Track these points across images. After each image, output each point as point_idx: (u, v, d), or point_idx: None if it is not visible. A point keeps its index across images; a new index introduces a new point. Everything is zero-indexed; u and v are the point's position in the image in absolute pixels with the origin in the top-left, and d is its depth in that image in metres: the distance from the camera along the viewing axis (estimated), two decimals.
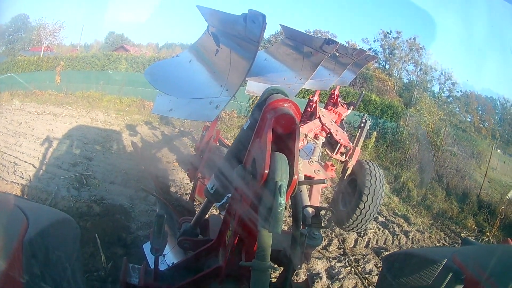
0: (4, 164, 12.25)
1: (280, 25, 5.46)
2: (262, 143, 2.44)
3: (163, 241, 3.32)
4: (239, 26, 2.99)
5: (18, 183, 10.89)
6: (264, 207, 2.32)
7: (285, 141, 2.48)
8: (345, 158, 7.53)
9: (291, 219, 2.69)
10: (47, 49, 34.41)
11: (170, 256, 6.46)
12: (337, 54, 6.34)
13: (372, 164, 7.11)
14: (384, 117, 24.07)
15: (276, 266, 2.68)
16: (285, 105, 2.53)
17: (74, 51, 34.15)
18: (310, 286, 3.86)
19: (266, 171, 2.31)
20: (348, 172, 7.47)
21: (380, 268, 8.20)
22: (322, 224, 3.77)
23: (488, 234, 13.33)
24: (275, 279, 3.83)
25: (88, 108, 22.22)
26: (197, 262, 3.69)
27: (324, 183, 2.91)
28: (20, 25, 36.10)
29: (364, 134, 7.75)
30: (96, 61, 28.38)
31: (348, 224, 7.22)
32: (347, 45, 32.52)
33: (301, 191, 5.38)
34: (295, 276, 7.22)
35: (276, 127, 2.44)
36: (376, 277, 8.25)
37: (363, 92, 11.41)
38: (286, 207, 2.31)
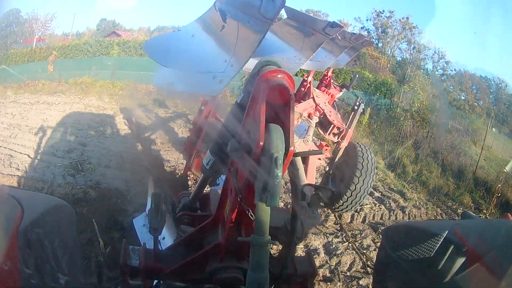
0: (0, 158, 12.23)
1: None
2: (256, 114, 2.42)
3: (161, 219, 3.36)
4: (254, 2, 2.93)
5: (14, 175, 10.87)
6: (260, 180, 2.28)
7: (279, 112, 2.48)
8: (337, 139, 7.54)
9: (289, 195, 2.69)
10: (39, 40, 34.30)
11: (167, 238, 6.54)
12: (338, 37, 6.31)
13: (364, 147, 7.12)
14: (377, 94, 24.12)
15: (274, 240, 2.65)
16: (279, 76, 2.51)
17: (66, 40, 34.04)
18: (313, 259, 3.88)
19: (261, 143, 2.30)
20: (340, 153, 7.49)
21: (379, 243, 8.25)
22: (321, 203, 3.73)
23: (485, 211, 13.38)
24: (277, 254, 3.85)
25: (81, 94, 22.24)
26: (196, 240, 3.70)
27: (321, 153, 2.91)
28: (12, 19, 35.94)
29: (357, 117, 7.81)
30: (88, 48, 28.39)
31: (338, 205, 7.24)
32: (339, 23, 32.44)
33: (298, 169, 5.37)
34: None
35: (270, 98, 2.42)
36: (374, 252, 8.32)
37: (357, 75, 11.33)
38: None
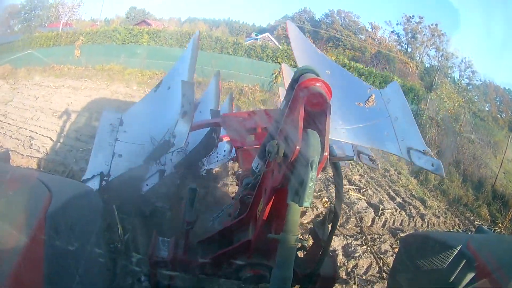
0: (20, 139, 12.28)
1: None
2: (295, 120, 2.49)
3: (195, 214, 3.45)
4: None
5: (34, 157, 10.92)
6: (295, 181, 2.37)
7: (316, 118, 2.53)
8: None
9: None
10: (66, 25, 34.38)
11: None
12: None
13: None
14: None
15: (301, 240, 2.68)
16: (317, 84, 2.57)
17: (94, 26, 34.09)
18: (336, 262, 3.88)
19: (298, 147, 2.37)
20: None
21: (396, 249, 8.22)
22: None
23: (501, 225, 13.26)
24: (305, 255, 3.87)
25: (109, 81, 22.28)
26: (227, 236, 3.78)
27: (353, 159, 2.93)
28: (37, 3, 36.10)
29: None
30: (117, 35, 28.30)
31: None
32: (370, 26, 32.01)
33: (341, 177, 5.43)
34: None
35: (308, 105, 2.48)
36: (391, 257, 8.26)
37: None
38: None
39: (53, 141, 12.10)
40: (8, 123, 14.06)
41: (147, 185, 7.57)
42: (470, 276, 2.90)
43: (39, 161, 10.65)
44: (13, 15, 34.81)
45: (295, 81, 2.76)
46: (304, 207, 2.43)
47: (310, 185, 2.24)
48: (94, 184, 5.21)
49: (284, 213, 2.59)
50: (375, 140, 5.38)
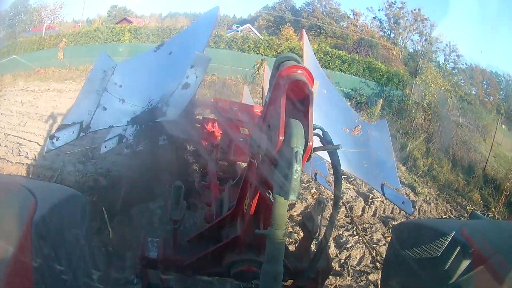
0: (8, 146, 12.21)
1: None
2: (277, 109, 2.44)
3: (181, 212, 3.45)
4: None
5: (23, 163, 10.87)
6: (280, 174, 2.32)
7: (299, 107, 2.48)
8: None
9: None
10: (49, 28, 34.18)
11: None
12: None
13: None
14: (390, 85, 24.14)
15: (291, 233, 2.68)
16: (298, 71, 2.51)
17: (76, 27, 33.93)
18: (329, 255, 3.89)
19: (281, 138, 2.32)
20: None
21: (388, 238, 8.24)
22: None
23: (494, 210, 13.33)
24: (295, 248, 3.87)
25: None
26: (215, 233, 3.78)
27: (339, 148, 2.90)
28: (20, 8, 35.82)
29: None
30: (99, 34, 28.29)
31: None
32: (352, 13, 31.97)
33: None
34: None
35: (289, 93, 2.43)
36: (384, 247, 8.33)
37: None
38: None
39: (40, 146, 12.06)
40: None
41: (105, 147, 7.61)
42: (465, 263, 2.89)
43: (28, 167, 10.62)
44: None
45: (275, 69, 2.74)
46: (291, 200, 2.34)
47: (295, 177, 2.19)
48: (72, 133, 5.01)
49: (270, 207, 2.55)
50: (352, 166, 5.46)
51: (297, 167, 2.19)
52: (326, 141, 2.86)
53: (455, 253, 2.95)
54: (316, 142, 2.45)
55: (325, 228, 3.15)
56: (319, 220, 3.51)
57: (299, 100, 2.47)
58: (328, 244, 7.88)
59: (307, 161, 2.48)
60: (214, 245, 3.59)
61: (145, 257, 3.64)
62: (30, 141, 12.49)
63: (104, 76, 5.67)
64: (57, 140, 4.83)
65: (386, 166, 5.28)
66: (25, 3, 36.13)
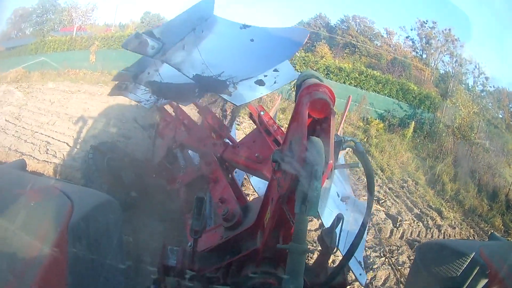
0: (35, 143, 12.33)
1: None
2: (298, 127, 2.48)
3: (202, 223, 3.40)
4: None
5: (50, 162, 10.95)
6: (301, 191, 2.33)
7: (320, 125, 2.51)
8: None
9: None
10: (80, 29, 34.42)
11: None
12: None
13: None
14: (422, 107, 23.86)
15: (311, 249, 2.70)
16: (320, 89, 2.54)
17: (108, 30, 34.03)
18: (345, 272, 3.87)
19: (302, 155, 2.34)
20: None
21: (413, 259, 8.23)
22: None
23: None
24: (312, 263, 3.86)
25: None
26: (235, 245, 3.80)
27: (357, 167, 2.90)
28: (48, 7, 36.08)
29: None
30: None
31: None
32: (385, 31, 31.91)
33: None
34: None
35: (311, 111, 2.46)
36: (408, 269, 8.22)
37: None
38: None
39: (70, 146, 12.14)
40: (23, 127, 14.13)
41: (145, 104, 7.91)
42: (483, 282, 2.96)
43: (56, 166, 10.68)
44: (24, 18, 34.81)
45: (298, 87, 2.79)
46: (312, 216, 2.41)
47: (315, 194, 2.24)
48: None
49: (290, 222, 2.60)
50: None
51: (316, 184, 2.24)
52: (358, 152, 2.91)
53: (474, 273, 3.02)
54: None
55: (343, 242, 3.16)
56: (337, 235, 3.45)
57: (320, 118, 2.49)
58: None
59: (327, 179, 2.48)
60: (232, 256, 3.64)
61: (164, 265, 3.69)
62: (59, 140, 12.58)
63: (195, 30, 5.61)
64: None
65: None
66: (54, 2, 36.35)
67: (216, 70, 5.02)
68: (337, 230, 3.40)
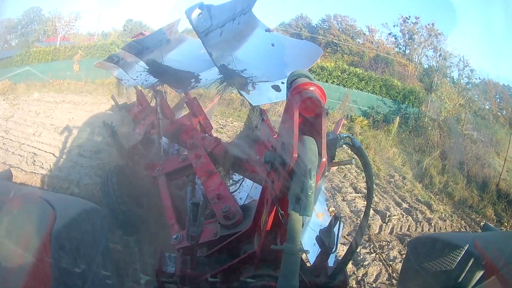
0: (23, 155, 12.28)
1: None
2: (290, 127, 2.45)
3: (199, 228, 3.36)
4: None
5: (37, 173, 10.89)
6: (294, 190, 2.33)
7: (312, 124, 2.50)
8: None
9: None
10: (63, 39, 34.39)
11: None
12: None
13: None
14: (406, 102, 24.06)
15: (306, 249, 2.68)
16: (311, 88, 2.55)
17: (91, 39, 34.08)
18: (346, 269, 3.86)
19: (295, 155, 2.33)
20: None
21: (404, 255, 8.24)
22: None
23: (506, 224, 13.36)
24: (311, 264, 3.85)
25: (109, 95, 21.67)
26: (232, 249, 3.76)
27: (351, 163, 2.91)
28: (33, 17, 36.05)
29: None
30: (115, 48, 27.52)
31: None
32: (367, 29, 31.97)
33: None
34: None
35: (302, 110, 2.46)
36: (400, 264, 8.30)
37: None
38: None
39: (56, 157, 12.10)
40: (10, 139, 14.10)
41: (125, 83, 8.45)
42: (478, 274, 2.97)
43: (43, 177, 10.65)
44: (10, 29, 34.86)
45: (288, 86, 2.79)
46: (306, 216, 2.35)
47: (309, 193, 2.23)
48: None
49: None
50: None
51: (311, 183, 2.23)
52: (355, 148, 2.90)
53: (469, 265, 3.04)
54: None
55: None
56: (336, 235, 3.45)
57: (311, 116, 2.49)
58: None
59: (321, 177, 2.48)
60: (230, 261, 3.60)
61: (162, 272, 3.66)
62: (45, 151, 12.54)
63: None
64: None
65: None
66: (39, 13, 36.46)
67: (240, 66, 5.04)
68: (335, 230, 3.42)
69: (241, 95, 5.06)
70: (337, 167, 11.42)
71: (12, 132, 15.04)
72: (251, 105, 5.16)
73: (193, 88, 5.61)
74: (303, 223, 2.45)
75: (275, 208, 2.87)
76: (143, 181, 7.52)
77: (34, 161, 11.79)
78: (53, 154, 12.32)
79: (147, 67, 6.43)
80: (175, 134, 7.22)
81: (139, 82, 7.92)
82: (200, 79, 5.65)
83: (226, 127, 16.20)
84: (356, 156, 2.96)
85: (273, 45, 5.88)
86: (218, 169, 5.71)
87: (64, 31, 35.89)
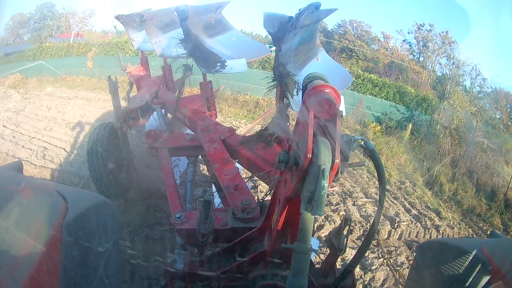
0: (33, 149, 12.34)
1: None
2: (305, 127, 2.47)
3: (210, 226, 3.40)
4: None
5: (47, 167, 10.93)
6: (307, 190, 2.34)
7: (326, 125, 2.50)
8: None
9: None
10: (77, 35, 34.42)
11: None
12: None
13: None
14: (419, 110, 23.89)
15: (316, 249, 2.67)
16: (326, 90, 2.54)
17: (105, 37, 34.03)
18: (354, 274, 3.85)
19: (309, 156, 2.34)
20: None
21: (412, 261, 8.23)
22: None
23: None
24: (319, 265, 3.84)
25: (123, 93, 21.48)
26: (242, 248, 3.75)
27: (364, 165, 2.91)
28: (46, 13, 36.01)
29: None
30: (130, 46, 27.03)
31: None
32: (382, 35, 31.75)
33: None
34: None
35: (317, 112, 2.47)
36: (407, 270, 8.30)
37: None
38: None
39: (67, 152, 12.14)
40: (20, 133, 14.17)
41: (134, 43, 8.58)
42: (485, 279, 2.96)
43: (53, 171, 10.67)
44: (21, 24, 34.84)
45: (303, 88, 2.80)
46: (317, 216, 2.36)
47: (322, 193, 2.23)
48: None
49: (298, 223, 2.55)
50: None
51: (324, 183, 2.23)
52: (369, 151, 2.88)
53: (476, 270, 3.03)
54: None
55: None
56: (345, 237, 3.44)
57: (326, 118, 2.50)
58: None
59: (334, 177, 2.46)
60: (240, 259, 3.61)
61: (171, 269, 3.66)
62: (56, 146, 12.58)
63: None
64: None
65: None
66: (52, 8, 36.33)
67: (293, 70, 5.10)
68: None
69: (286, 98, 5.09)
70: (349, 169, 11.43)
71: (22, 126, 15.13)
72: (292, 109, 5.18)
73: (216, 72, 5.63)
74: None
75: (287, 207, 2.89)
76: (129, 145, 7.82)
77: (44, 155, 11.84)
78: (64, 149, 12.36)
79: (182, 37, 6.41)
80: (183, 112, 7.11)
81: (161, 49, 7.86)
82: (226, 65, 5.67)
83: (240, 129, 16.13)
84: (368, 160, 2.96)
85: (317, 59, 5.93)
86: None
87: (78, 27, 35.87)
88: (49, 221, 2.42)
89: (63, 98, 20.32)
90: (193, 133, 6.55)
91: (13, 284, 2.02)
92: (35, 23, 35.71)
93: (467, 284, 3.04)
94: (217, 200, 5.40)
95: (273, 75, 5.09)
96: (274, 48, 5.11)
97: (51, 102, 19.21)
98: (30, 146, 12.74)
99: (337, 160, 2.34)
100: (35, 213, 2.46)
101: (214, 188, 5.79)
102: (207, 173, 8.19)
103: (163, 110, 7.89)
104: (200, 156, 6.26)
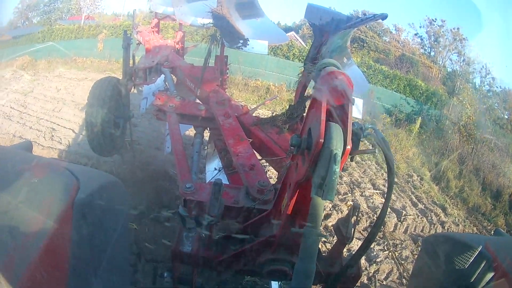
0: (41, 130, 12.34)
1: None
2: (317, 113, 2.49)
3: (220, 209, 3.38)
4: None
5: (55, 148, 10.96)
6: (319, 175, 2.36)
7: (338, 112, 2.49)
8: None
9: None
10: (88, 18, 34.41)
11: None
12: None
13: None
14: (429, 104, 23.99)
15: (325, 234, 2.68)
16: (339, 77, 2.55)
17: (116, 20, 33.99)
18: (360, 264, 3.85)
19: (321, 140, 2.35)
20: None
21: (417, 255, 8.25)
22: None
23: None
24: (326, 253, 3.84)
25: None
26: (251, 231, 3.70)
27: (374, 153, 2.90)
28: None
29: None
30: None
31: None
32: (394, 28, 31.78)
33: None
34: None
35: (330, 98, 2.47)
36: (412, 264, 8.34)
37: None
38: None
39: (75, 133, 12.17)
40: (28, 114, 14.17)
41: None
42: (489, 276, 2.98)
43: (61, 152, 10.69)
44: (31, 7, 34.82)
45: (316, 75, 2.75)
46: (328, 201, 2.38)
47: (333, 178, 2.25)
48: None
49: (308, 208, 2.55)
50: None
51: (335, 168, 2.26)
52: (378, 139, 2.80)
53: (482, 266, 3.04)
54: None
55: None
56: (353, 225, 3.43)
57: (339, 104, 2.51)
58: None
59: (345, 163, 2.50)
60: (249, 243, 3.58)
61: (179, 251, 3.67)
62: (64, 127, 12.60)
63: None
64: None
65: None
66: None
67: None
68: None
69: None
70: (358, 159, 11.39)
71: (30, 107, 15.13)
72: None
73: (238, 48, 5.65)
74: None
75: (297, 192, 2.89)
76: (129, 103, 8.07)
77: (52, 136, 11.86)
78: (72, 130, 12.38)
79: (212, 8, 6.42)
80: (194, 81, 6.98)
81: (183, 15, 7.80)
82: (248, 44, 5.73)
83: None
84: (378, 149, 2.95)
85: (344, 60, 6.00)
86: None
87: (89, 10, 35.90)
88: (60, 198, 2.43)
89: (73, 79, 20.25)
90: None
91: (22, 260, 2.03)
92: (45, 6, 35.69)
93: (472, 279, 3.07)
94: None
95: (305, 65, 5.10)
96: (286, 34, 5.18)
97: (61, 83, 19.17)
98: (38, 127, 12.74)
99: (349, 146, 2.37)
100: (46, 191, 2.48)
101: (217, 164, 5.77)
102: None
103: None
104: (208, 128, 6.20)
